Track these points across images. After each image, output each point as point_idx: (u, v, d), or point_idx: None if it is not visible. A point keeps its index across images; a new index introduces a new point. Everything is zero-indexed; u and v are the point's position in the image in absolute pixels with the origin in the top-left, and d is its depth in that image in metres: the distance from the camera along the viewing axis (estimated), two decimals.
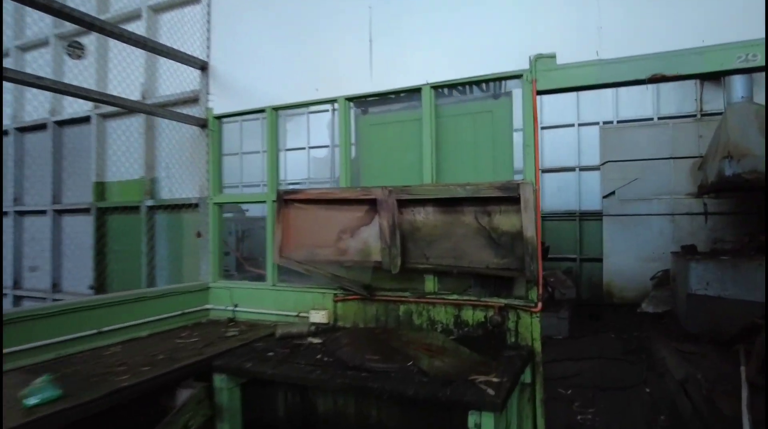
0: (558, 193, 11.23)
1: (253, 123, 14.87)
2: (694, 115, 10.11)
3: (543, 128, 11.41)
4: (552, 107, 11.34)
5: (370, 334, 3.59)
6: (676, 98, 10.29)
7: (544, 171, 11.34)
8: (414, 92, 3.78)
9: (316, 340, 3.50)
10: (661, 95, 10.38)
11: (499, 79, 3.53)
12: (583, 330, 8.15)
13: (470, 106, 3.77)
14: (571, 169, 11.06)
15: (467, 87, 3.74)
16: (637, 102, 10.61)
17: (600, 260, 10.61)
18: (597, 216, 10.72)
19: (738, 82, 8.20)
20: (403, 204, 3.65)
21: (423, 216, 3.64)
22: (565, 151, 11.15)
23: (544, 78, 3.35)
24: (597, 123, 10.87)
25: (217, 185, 4.76)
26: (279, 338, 3.57)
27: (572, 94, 11.05)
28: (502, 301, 3.40)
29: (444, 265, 3.56)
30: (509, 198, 3.32)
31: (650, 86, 10.37)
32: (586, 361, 6.61)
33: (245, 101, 4.60)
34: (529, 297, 3.40)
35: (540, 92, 3.40)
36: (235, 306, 4.45)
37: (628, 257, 10.24)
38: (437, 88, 3.71)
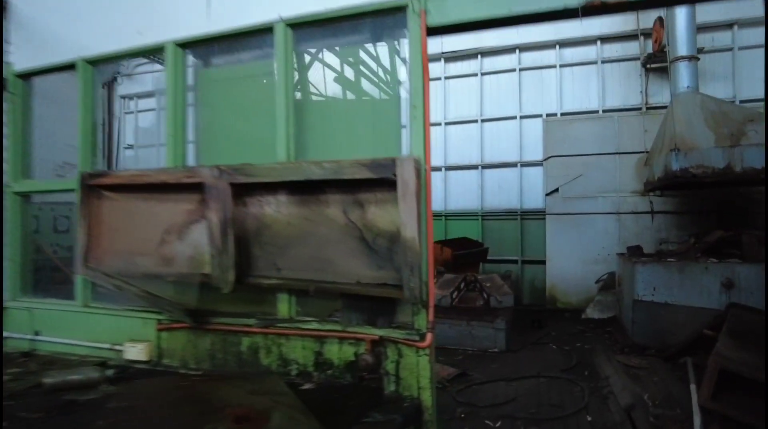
0: (499, 191, 10.43)
1: None
2: (639, 108, 9.52)
3: (484, 121, 10.58)
4: (492, 98, 10.52)
5: (179, 387, 2.43)
6: (621, 91, 9.68)
7: (485, 166, 10.51)
8: (265, 33, 2.66)
9: (110, 389, 2.33)
10: (606, 87, 9.75)
11: (378, 12, 2.47)
12: (524, 339, 7.30)
13: (343, 51, 2.69)
14: (513, 165, 10.29)
15: (338, 25, 2.65)
16: (582, 93, 9.94)
17: (543, 262, 9.86)
18: (540, 215, 9.98)
19: (683, 71, 7.59)
20: (243, 191, 2.53)
21: (273, 209, 2.53)
22: (507, 146, 10.36)
23: (438, 9, 2.31)
24: (540, 115, 10.13)
25: (18, 169, 3.47)
26: (49, 391, 2.37)
27: (513, 83, 10.28)
28: (377, 333, 2.35)
29: (301, 279, 2.47)
30: (386, 182, 2.26)
31: (596, 75, 9.75)
32: (522, 381, 5.72)
33: (60, 52, 3.35)
34: (415, 325, 2.36)
35: (433, 30, 2.36)
36: (36, 334, 3.20)
37: (572, 259, 9.54)
38: (295, 26, 2.61)
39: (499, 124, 10.49)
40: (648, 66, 9.35)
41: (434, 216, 11.19)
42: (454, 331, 6.92)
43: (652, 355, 6.28)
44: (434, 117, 10.90)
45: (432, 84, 11.33)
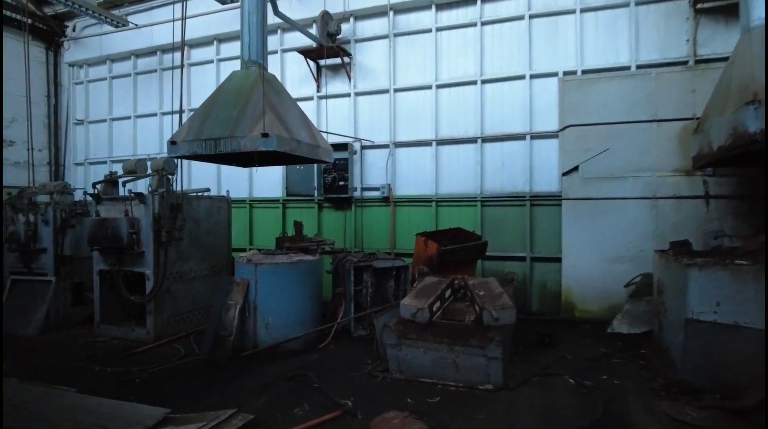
0: (502, 170, 8.39)
1: (124, 80, 11.51)
2: (685, 62, 7.38)
3: (484, 82, 8.51)
4: (495, 54, 8.44)
5: None
6: (660, 39, 7.53)
7: (486, 139, 8.47)
8: None
9: None
10: (640, 35, 7.60)
11: None
12: (528, 367, 5.36)
13: None
14: (520, 137, 8.23)
15: None
16: (609, 44, 7.80)
17: (557, 260, 7.86)
18: (554, 200, 7.95)
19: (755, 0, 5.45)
20: None
21: None
22: (513, 113, 8.30)
23: None
24: (555, 74, 8.03)
25: None
26: None
27: (520, 34, 8.19)
28: None
29: None
30: None
31: (627, 19, 7.60)
32: None
33: None
34: None
35: None
36: None
37: (594, 256, 7.52)
38: None
39: (504, 86, 8.41)
40: (698, 6, 7.19)
41: (423, 201, 9.33)
42: (431, 358, 5.00)
43: (714, 404, 4.29)
44: (423, 78, 8.87)
45: (421, 37, 9.33)
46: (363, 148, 9.28)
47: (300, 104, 7.47)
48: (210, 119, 6.04)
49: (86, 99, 11.95)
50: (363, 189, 9.23)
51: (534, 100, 8.20)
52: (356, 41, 9.34)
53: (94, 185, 7.46)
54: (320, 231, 9.32)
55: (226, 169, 10.00)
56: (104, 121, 11.70)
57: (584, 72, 7.84)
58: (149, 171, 7.51)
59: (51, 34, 11.77)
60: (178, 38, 10.25)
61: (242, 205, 10.06)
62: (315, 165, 9.09)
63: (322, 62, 9.48)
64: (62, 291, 7.75)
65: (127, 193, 7.20)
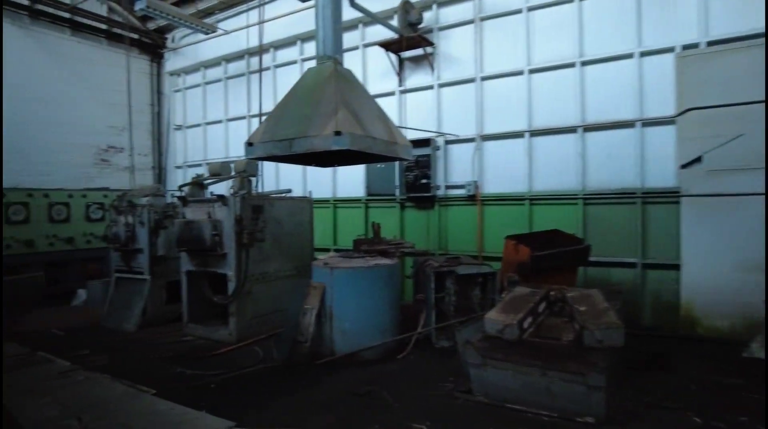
0: (608, 163, 7.36)
1: (216, 85, 11.97)
2: None
3: (585, 63, 7.53)
4: (596, 30, 7.42)
5: None
6: None
7: (588, 128, 7.49)
8: None
9: None
10: None
11: None
12: (635, 397, 4.50)
13: None
14: (629, 125, 7.16)
15: None
16: (739, 7, 6.47)
17: (675, 267, 6.71)
18: (671, 196, 6.81)
19: None
20: None
21: None
22: (619, 98, 7.23)
23: None
24: (671, 49, 6.86)
25: None
26: None
27: (627, 4, 7.09)
28: None
29: None
30: None
31: None
32: None
33: None
34: None
35: None
36: None
37: (722, 262, 6.29)
38: None
39: (607, 67, 7.37)
40: None
41: (514, 199, 8.55)
42: (521, 383, 4.35)
43: None
44: (513, 64, 8.08)
45: (510, 19, 8.40)
46: (447, 142, 8.70)
47: (381, 100, 7.16)
48: (284, 118, 5.86)
49: (184, 105, 12.64)
50: (447, 187, 8.65)
51: (644, 81, 7.07)
52: (439, 29, 8.77)
53: (180, 188, 7.69)
54: (402, 232, 8.90)
55: (312, 168, 9.95)
56: (199, 125, 12.26)
57: (710, 44, 6.59)
58: (233, 173, 7.59)
59: (154, 47, 12.58)
60: (264, 41, 10.47)
61: (326, 204, 9.95)
62: (396, 163, 8.69)
63: (403, 54, 9.04)
64: (157, 289, 8.10)
65: (212, 196, 7.34)
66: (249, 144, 6.01)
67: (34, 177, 9.99)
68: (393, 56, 9.07)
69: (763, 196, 6.01)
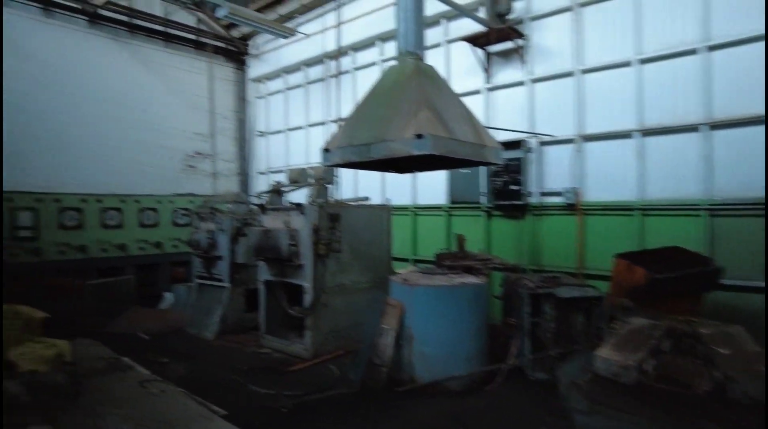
0: (740, 166, 6.11)
1: (297, 91, 11.91)
2: None
3: (711, 48, 6.35)
4: (725, 9, 6.21)
5: None
6: None
7: (714, 126, 6.31)
8: None
9: None
10: None
11: None
12: None
13: None
14: (756, 121, 5.90)
15: None
16: None
17: None
18: None
19: None
20: None
21: None
22: (751, 88, 5.98)
23: None
24: None
25: None
26: None
27: None
28: None
29: None
30: None
31: None
32: None
33: None
34: None
35: None
36: None
37: None
38: None
39: (741, 51, 6.14)
40: None
41: (621, 208, 7.49)
42: None
43: None
44: (619, 53, 7.06)
45: (614, 3, 7.12)
46: (541, 144, 7.83)
47: (466, 99, 6.52)
48: (362, 122, 5.42)
49: (266, 111, 12.75)
50: (541, 194, 7.76)
51: None
52: (531, 19, 7.93)
53: (259, 195, 7.55)
54: (489, 244, 8.15)
55: (391, 174, 9.50)
56: (281, 131, 12.29)
57: None
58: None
59: (238, 54, 12.82)
60: (343, 43, 10.21)
61: (405, 212, 9.44)
62: (482, 167, 7.96)
63: (490, 49, 8.29)
64: (236, 297, 8.03)
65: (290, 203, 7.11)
66: (326, 150, 5.66)
67: (128, 183, 10.44)
68: (479, 51, 8.35)
69: None
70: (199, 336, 7.75)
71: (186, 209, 10.86)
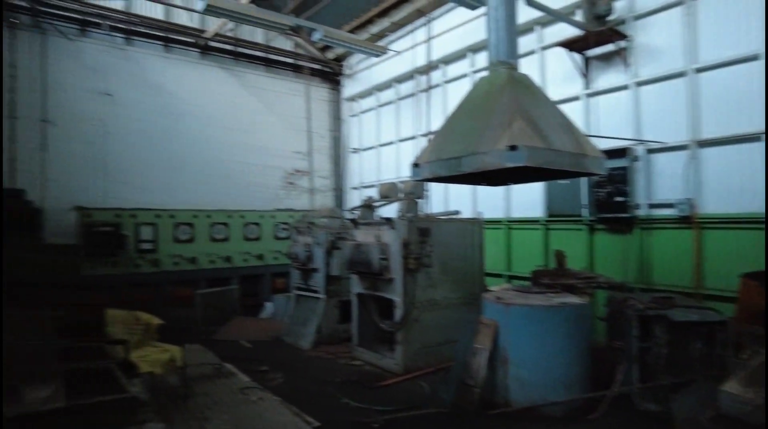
0: None
1: (388, 107, 12.13)
2: None
3: None
4: None
5: None
6: None
7: None
8: None
9: None
10: None
11: None
12: None
13: None
14: None
15: None
16: None
17: None
18: None
19: None
20: None
21: None
22: None
23: None
24: None
25: None
26: None
27: None
28: None
29: None
30: None
31: None
32: None
33: None
34: None
35: None
36: None
37: None
38: None
39: None
40: None
41: (747, 221, 6.60)
42: None
43: None
44: (744, 47, 6.29)
45: None
46: (649, 151, 7.19)
47: (565, 107, 6.19)
48: (452, 135, 5.35)
49: (359, 129, 13.12)
50: (650, 206, 7.10)
51: None
52: (635, 18, 7.35)
53: (351, 210, 7.73)
54: (591, 260, 7.59)
55: (482, 186, 9.28)
56: (373, 147, 12.56)
57: None
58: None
59: (332, 75, 13.38)
60: (434, 57, 10.23)
61: (498, 225, 9.14)
62: (583, 178, 7.47)
63: (589, 53, 7.82)
64: (331, 308, 8.25)
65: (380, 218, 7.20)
66: (415, 165, 5.65)
67: (235, 199, 11.26)
68: (577, 56, 7.91)
69: None
70: (295, 345, 8.06)
71: (286, 223, 11.43)
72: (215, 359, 7.12)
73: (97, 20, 9.73)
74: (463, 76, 10.04)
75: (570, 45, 7.72)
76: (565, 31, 7.76)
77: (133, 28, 10.24)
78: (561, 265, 6.39)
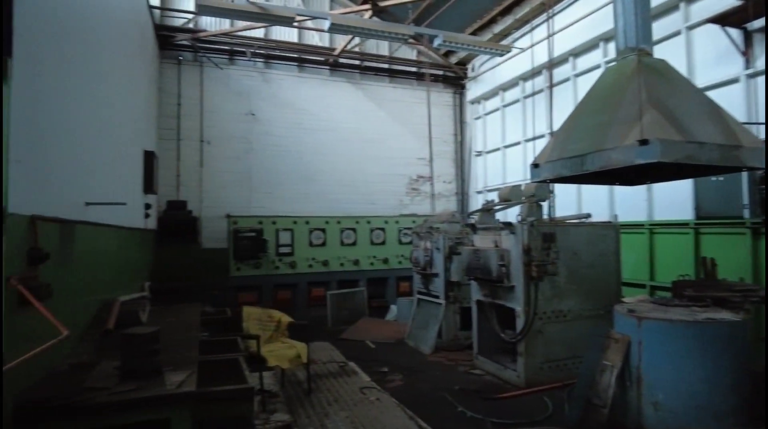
0: None
1: (513, 107, 11.68)
2: None
3: None
4: None
5: None
6: None
7: None
8: None
9: None
10: None
11: None
12: None
13: None
14: None
15: None
16: None
17: None
18: None
19: None
20: None
21: None
22: None
23: None
24: None
25: None
26: None
27: None
28: None
29: None
30: None
31: None
32: None
33: None
34: None
35: None
36: None
37: None
38: None
39: None
40: None
41: None
42: None
43: None
44: None
45: None
46: None
47: (719, 92, 5.36)
48: (575, 131, 4.98)
49: (484, 131, 12.83)
50: None
51: None
52: None
53: (470, 214, 7.56)
54: (754, 270, 6.40)
55: (619, 187, 8.43)
56: (498, 149, 12.18)
57: None
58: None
59: (456, 79, 13.29)
60: (562, 50, 9.60)
61: (639, 230, 8.19)
62: (743, 173, 6.36)
63: (750, 26, 6.65)
64: (451, 314, 8.17)
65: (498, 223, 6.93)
66: (535, 165, 5.36)
67: (362, 206, 11.78)
68: (734, 32, 6.79)
69: None
70: (417, 349, 8.12)
71: (409, 228, 11.64)
72: (341, 357, 7.49)
73: (242, 49, 10.95)
74: (597, 67, 9.24)
75: (725, 19, 6.65)
76: (717, 4, 6.71)
77: (271, 53, 11.33)
78: (710, 274, 5.50)
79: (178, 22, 10.68)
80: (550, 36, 9.30)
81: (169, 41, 10.29)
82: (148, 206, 8.08)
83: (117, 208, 5.28)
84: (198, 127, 10.62)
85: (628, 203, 8.27)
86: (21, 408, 2.64)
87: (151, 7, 9.25)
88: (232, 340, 4.83)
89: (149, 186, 7.75)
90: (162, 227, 9.75)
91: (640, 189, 7.96)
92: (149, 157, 7.77)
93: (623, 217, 7.79)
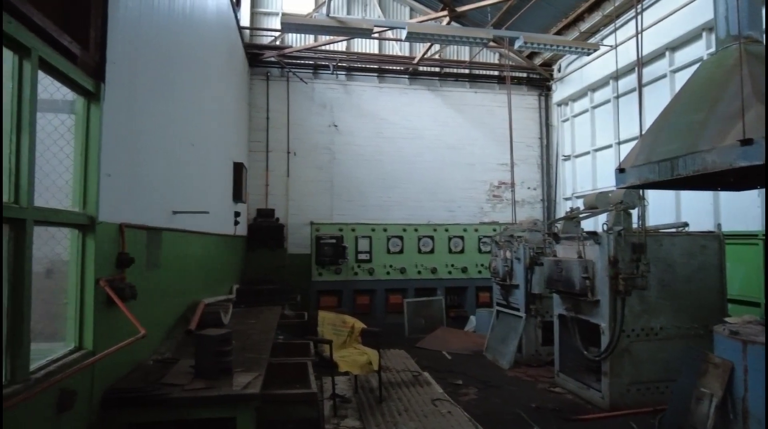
0: None
1: (604, 108, 10.96)
2: None
3: None
4: None
5: None
6: None
7: None
8: None
9: None
10: None
11: None
12: None
13: None
14: None
15: None
16: None
17: None
18: None
19: None
20: None
21: None
22: None
23: None
24: None
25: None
26: None
27: None
28: None
29: None
30: None
31: None
32: None
33: None
34: None
35: None
36: None
37: None
38: None
39: None
40: None
41: None
42: None
43: None
44: None
45: None
46: None
47: None
48: (664, 132, 4.57)
49: (572, 134, 12.16)
50: None
51: None
52: None
53: (552, 223, 7.17)
54: None
55: (726, 193, 7.56)
56: (587, 153, 11.48)
57: None
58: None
59: (541, 81, 12.75)
60: (657, 44, 8.85)
61: (752, 240, 7.26)
62: None
63: None
64: (532, 328, 7.79)
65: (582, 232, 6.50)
66: (620, 170, 4.99)
67: (440, 213, 11.68)
68: None
69: None
70: (495, 363, 7.84)
71: (489, 237, 11.31)
72: (415, 366, 7.43)
73: (325, 62, 11.37)
74: (697, 60, 8.38)
75: None
76: None
77: (353, 65, 11.65)
78: None
79: (266, 40, 11.35)
80: (638, 33, 8.60)
81: (258, 58, 10.97)
82: (237, 214, 8.63)
83: (205, 216, 5.69)
84: (285, 138, 11.19)
85: (738, 211, 7.38)
86: (107, 397, 2.92)
87: (241, 28, 9.92)
88: (305, 344, 4.98)
89: (238, 195, 8.27)
90: (252, 233, 10.41)
91: (751, 194, 7.07)
92: (238, 168, 8.30)
93: (732, 226, 6.98)
